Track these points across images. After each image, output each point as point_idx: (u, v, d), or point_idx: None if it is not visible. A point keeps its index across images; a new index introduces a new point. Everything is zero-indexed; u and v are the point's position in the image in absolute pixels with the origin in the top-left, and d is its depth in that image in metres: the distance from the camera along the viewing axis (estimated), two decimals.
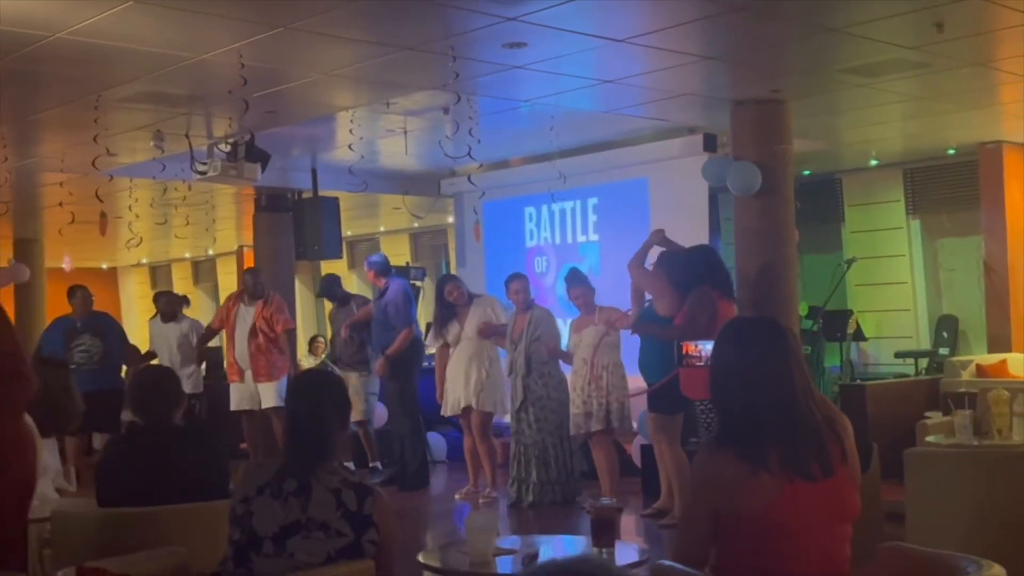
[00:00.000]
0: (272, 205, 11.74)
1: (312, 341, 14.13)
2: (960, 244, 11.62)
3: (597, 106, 8.42)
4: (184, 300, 12.16)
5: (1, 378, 3.55)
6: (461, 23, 6.01)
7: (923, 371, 10.89)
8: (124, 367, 10.25)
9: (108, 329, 10.01)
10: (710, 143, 9.36)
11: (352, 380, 9.50)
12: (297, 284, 13.59)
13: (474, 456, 8.64)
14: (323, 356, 13.33)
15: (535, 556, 4.02)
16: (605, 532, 4.11)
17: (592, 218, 10.77)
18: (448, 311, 8.64)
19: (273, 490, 3.16)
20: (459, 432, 9.11)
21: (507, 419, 8.58)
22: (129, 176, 10.14)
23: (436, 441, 10.52)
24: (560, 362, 8.29)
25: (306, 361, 13.04)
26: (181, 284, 20.40)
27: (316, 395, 3.32)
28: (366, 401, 9.71)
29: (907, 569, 3.02)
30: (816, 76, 7.51)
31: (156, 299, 11.46)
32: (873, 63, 7.10)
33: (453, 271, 12.74)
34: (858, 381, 9.90)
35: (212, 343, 11.40)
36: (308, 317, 17.27)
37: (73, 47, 6.12)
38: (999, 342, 10.39)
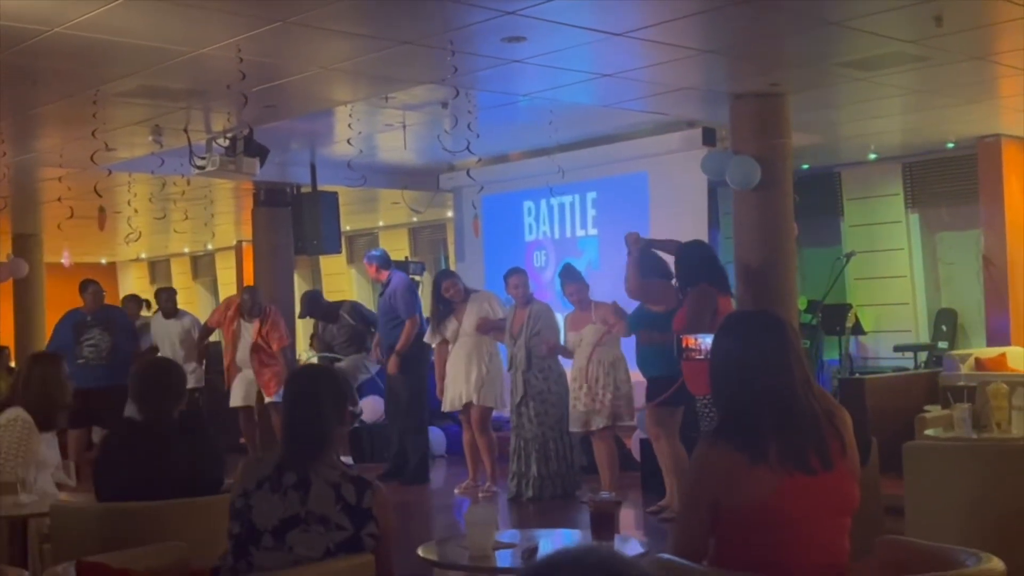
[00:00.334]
0: (271, 200, 11.73)
1: (313, 337, 14.11)
2: (959, 238, 11.62)
3: (596, 100, 8.41)
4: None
5: None
6: (460, 17, 6.00)
7: (922, 365, 10.90)
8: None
9: (118, 324, 10.03)
10: (709, 137, 9.37)
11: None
12: (296, 279, 13.59)
13: (473, 450, 8.64)
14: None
15: (534, 550, 4.02)
16: (605, 526, 4.11)
17: (591, 212, 10.76)
18: (446, 307, 8.64)
19: (272, 484, 3.16)
20: (458, 427, 9.11)
21: (507, 413, 8.59)
22: (128, 171, 10.13)
23: (436, 436, 10.52)
24: (560, 356, 8.30)
25: (306, 355, 13.04)
26: (180, 279, 20.41)
27: (314, 389, 3.32)
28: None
29: (906, 562, 3.02)
30: (815, 70, 7.51)
31: (157, 296, 11.47)
32: (872, 57, 7.09)
33: (452, 265, 12.74)
34: (857, 375, 9.90)
35: (212, 337, 11.40)
36: None
37: (71, 42, 6.12)
38: (998, 336, 10.39)
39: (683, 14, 6.07)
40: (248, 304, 9.77)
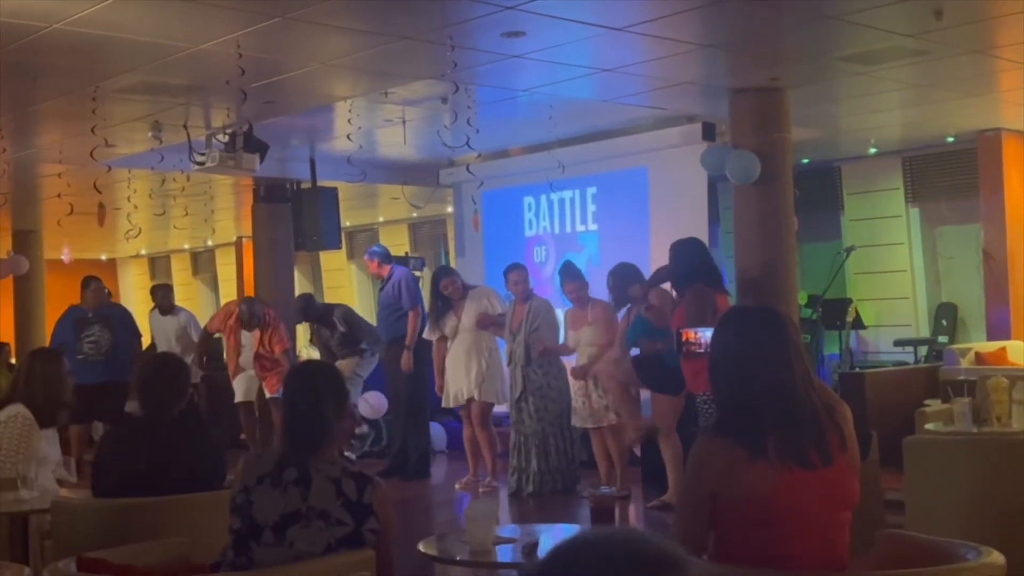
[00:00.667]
0: (271, 196, 11.72)
1: (313, 334, 14.12)
2: (959, 232, 11.61)
3: (596, 95, 8.41)
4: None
5: None
6: (459, 12, 6.00)
7: (922, 359, 10.90)
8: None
9: (119, 321, 10.04)
10: (709, 132, 9.36)
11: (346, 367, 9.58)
12: (296, 275, 13.58)
13: (474, 446, 8.65)
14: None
15: (535, 545, 4.02)
16: (605, 521, 4.11)
17: (591, 207, 10.76)
18: (444, 304, 8.64)
19: (273, 480, 3.16)
20: (459, 422, 9.12)
21: (507, 409, 8.60)
22: (127, 167, 10.14)
23: (436, 431, 10.53)
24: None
25: (306, 352, 13.05)
26: (180, 275, 20.41)
27: (314, 385, 3.32)
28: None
29: (906, 556, 3.02)
30: (815, 64, 7.50)
31: (153, 293, 11.49)
32: (872, 51, 7.09)
33: (452, 261, 12.74)
34: (857, 369, 9.91)
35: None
36: None
37: (70, 38, 6.11)
38: (998, 330, 10.38)
39: (683, 9, 6.06)
40: (246, 316, 9.77)
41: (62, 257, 14.63)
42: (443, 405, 8.87)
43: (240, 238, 16.92)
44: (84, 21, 5.80)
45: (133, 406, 10.16)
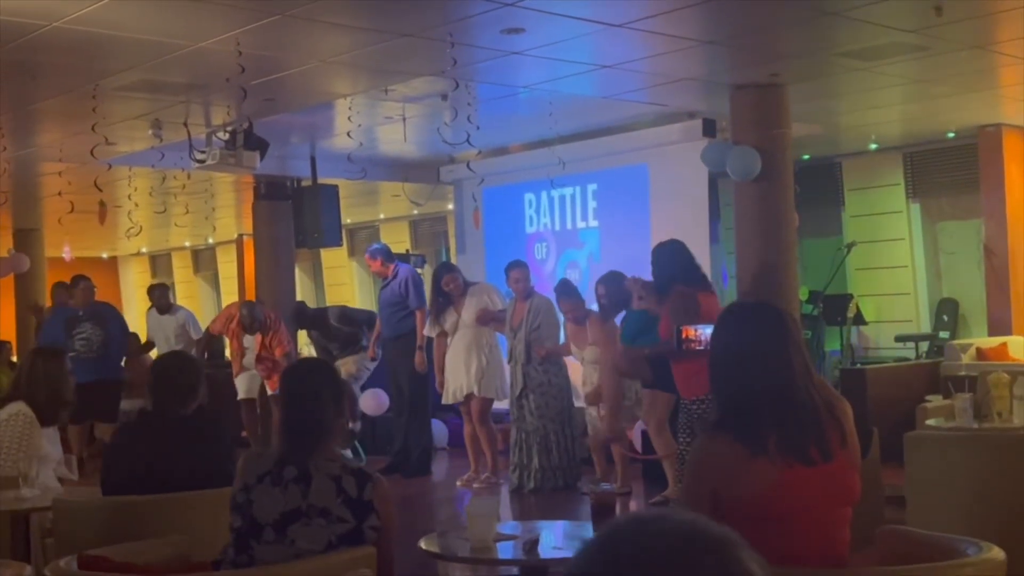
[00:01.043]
0: (271, 193, 11.72)
1: None
2: (960, 227, 11.60)
3: (596, 91, 8.40)
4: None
5: None
6: (459, 9, 6.00)
7: (923, 355, 10.89)
8: (125, 357, 10.30)
9: (109, 319, 10.06)
10: (709, 128, 9.35)
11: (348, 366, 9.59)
12: (297, 272, 13.59)
13: (475, 443, 8.66)
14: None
15: (536, 541, 4.03)
16: (606, 517, 4.11)
17: (592, 204, 10.75)
18: (445, 300, 8.65)
19: (273, 478, 3.16)
20: (459, 419, 9.12)
21: (507, 405, 8.60)
22: (128, 165, 10.13)
23: (437, 428, 10.53)
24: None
25: (307, 353, 13.04)
26: (181, 273, 20.42)
27: (312, 382, 3.32)
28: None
29: (907, 552, 3.02)
30: (815, 60, 7.49)
31: (150, 292, 11.51)
32: (872, 47, 7.08)
33: (453, 258, 12.73)
34: (858, 365, 9.90)
35: None
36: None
37: (70, 36, 6.11)
38: (999, 325, 10.38)
39: (682, 5, 6.06)
40: (248, 320, 9.81)
41: (63, 255, 14.62)
42: (443, 401, 8.88)
43: (241, 236, 16.92)
44: (84, 19, 5.80)
45: (128, 404, 10.21)
